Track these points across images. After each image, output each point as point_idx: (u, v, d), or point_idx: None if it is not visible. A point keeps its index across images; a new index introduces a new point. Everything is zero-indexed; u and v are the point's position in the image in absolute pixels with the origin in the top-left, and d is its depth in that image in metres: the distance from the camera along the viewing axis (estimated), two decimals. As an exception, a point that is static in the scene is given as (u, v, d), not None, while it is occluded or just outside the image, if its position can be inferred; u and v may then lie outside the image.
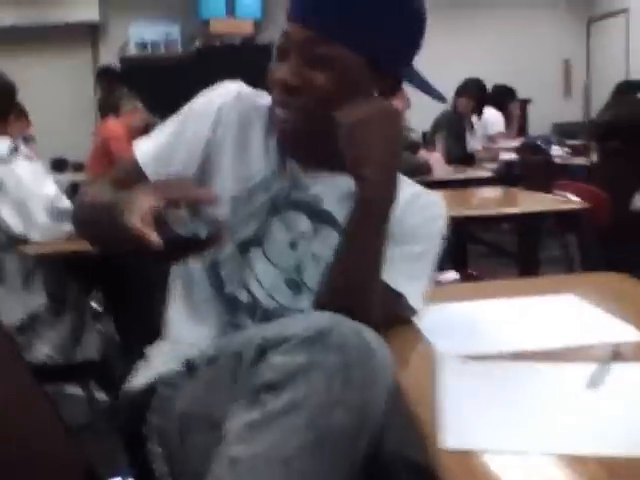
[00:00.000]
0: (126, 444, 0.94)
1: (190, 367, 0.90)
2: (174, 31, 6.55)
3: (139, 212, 0.75)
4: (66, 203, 1.74)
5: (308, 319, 0.76)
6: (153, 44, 6.53)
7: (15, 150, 1.77)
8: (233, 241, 0.96)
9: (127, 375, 1.01)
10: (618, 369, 0.80)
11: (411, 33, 0.93)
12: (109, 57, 6.57)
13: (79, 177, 3.98)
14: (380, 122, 0.87)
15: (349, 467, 0.69)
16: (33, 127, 3.84)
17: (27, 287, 1.77)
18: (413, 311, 0.99)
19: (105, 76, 5.80)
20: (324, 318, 0.74)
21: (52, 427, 0.86)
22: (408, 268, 0.97)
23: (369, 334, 0.73)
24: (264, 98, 0.98)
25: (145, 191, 0.80)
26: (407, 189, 1.00)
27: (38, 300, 1.76)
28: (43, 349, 1.75)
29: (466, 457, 0.63)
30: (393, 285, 0.96)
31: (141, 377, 0.98)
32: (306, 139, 0.94)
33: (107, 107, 4.69)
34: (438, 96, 0.96)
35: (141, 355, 1.03)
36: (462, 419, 0.70)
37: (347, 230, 0.91)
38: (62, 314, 1.79)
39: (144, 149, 1.00)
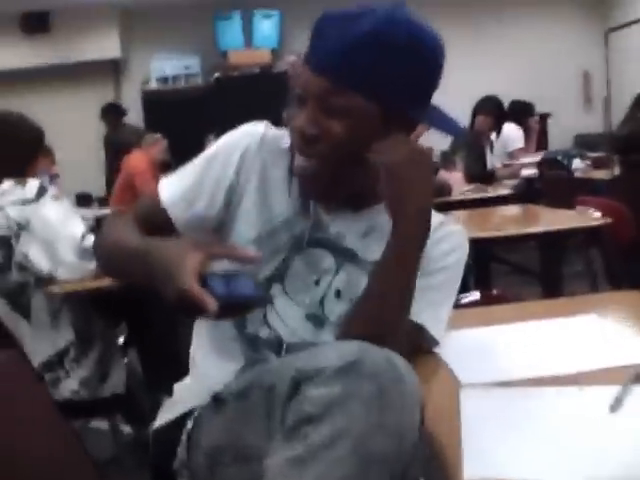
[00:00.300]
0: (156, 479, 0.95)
1: (217, 401, 0.91)
2: (194, 64, 6.68)
3: (191, 273, 0.77)
4: (92, 241, 1.77)
5: (338, 349, 0.77)
6: (174, 78, 6.66)
7: (43, 191, 1.80)
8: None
9: (152, 409, 1.03)
10: None
11: (427, 79, 0.94)
12: (131, 92, 6.72)
13: (104, 212, 4.05)
14: (417, 162, 0.90)
15: None
16: (58, 164, 3.93)
17: (55, 325, 1.79)
18: (435, 342, 1.00)
19: (110, 113, 5.89)
20: (354, 347, 0.75)
21: (79, 462, 0.88)
22: (429, 299, 0.98)
23: (398, 360, 0.75)
24: (287, 139, 1.00)
25: (190, 248, 0.82)
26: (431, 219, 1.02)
27: (65, 337, 1.78)
28: (70, 385, 1.77)
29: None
30: (414, 317, 0.96)
31: (168, 413, 1.00)
32: (326, 182, 0.96)
33: (117, 143, 4.77)
34: (457, 133, 0.99)
35: (166, 389, 1.05)
36: (484, 447, 0.70)
37: (381, 265, 0.92)
38: (89, 350, 1.81)
39: (169, 191, 1.01)
